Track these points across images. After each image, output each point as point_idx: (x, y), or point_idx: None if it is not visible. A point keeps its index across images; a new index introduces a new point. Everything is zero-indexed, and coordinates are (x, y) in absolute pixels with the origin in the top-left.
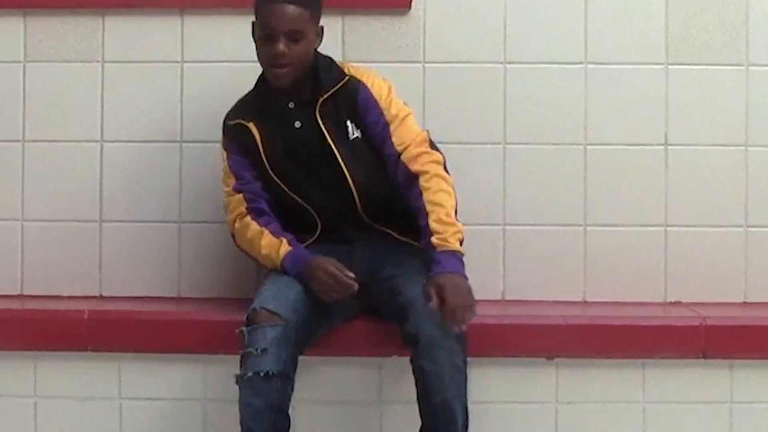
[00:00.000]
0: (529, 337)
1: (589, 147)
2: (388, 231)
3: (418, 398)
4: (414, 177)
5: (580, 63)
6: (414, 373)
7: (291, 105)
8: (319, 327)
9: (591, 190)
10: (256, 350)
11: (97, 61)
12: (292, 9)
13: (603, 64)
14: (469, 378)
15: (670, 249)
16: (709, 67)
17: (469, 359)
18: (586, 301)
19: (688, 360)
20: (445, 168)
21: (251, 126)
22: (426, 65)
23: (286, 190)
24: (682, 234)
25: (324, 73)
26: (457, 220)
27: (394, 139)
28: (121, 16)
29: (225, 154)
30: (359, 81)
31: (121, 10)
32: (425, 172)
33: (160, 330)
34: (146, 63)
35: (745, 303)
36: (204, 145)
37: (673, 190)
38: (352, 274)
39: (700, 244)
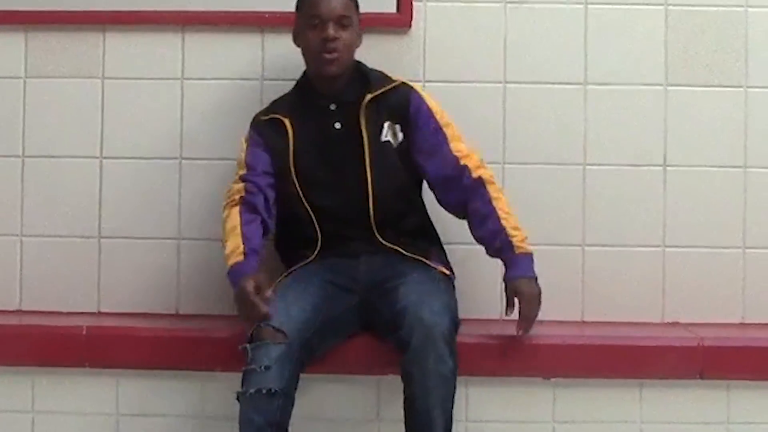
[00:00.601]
0: (526, 356)
1: (588, 167)
2: (396, 248)
3: (404, 406)
4: (482, 182)
5: (580, 83)
6: (402, 379)
7: (332, 107)
8: (322, 344)
9: (589, 210)
10: (260, 367)
11: (98, 78)
12: None
13: (603, 84)
14: (466, 399)
15: (668, 269)
16: (709, 88)
17: (467, 378)
18: (584, 321)
19: (685, 380)
20: None
21: (286, 121)
22: (426, 84)
23: (301, 194)
24: (680, 254)
25: (372, 75)
26: None
27: (452, 145)
28: (121, 33)
29: (245, 146)
30: (410, 88)
31: (122, 27)
32: (492, 183)
33: (159, 346)
34: (147, 80)
35: (742, 323)
36: (203, 162)
37: (671, 211)
38: (268, 294)
39: (698, 265)
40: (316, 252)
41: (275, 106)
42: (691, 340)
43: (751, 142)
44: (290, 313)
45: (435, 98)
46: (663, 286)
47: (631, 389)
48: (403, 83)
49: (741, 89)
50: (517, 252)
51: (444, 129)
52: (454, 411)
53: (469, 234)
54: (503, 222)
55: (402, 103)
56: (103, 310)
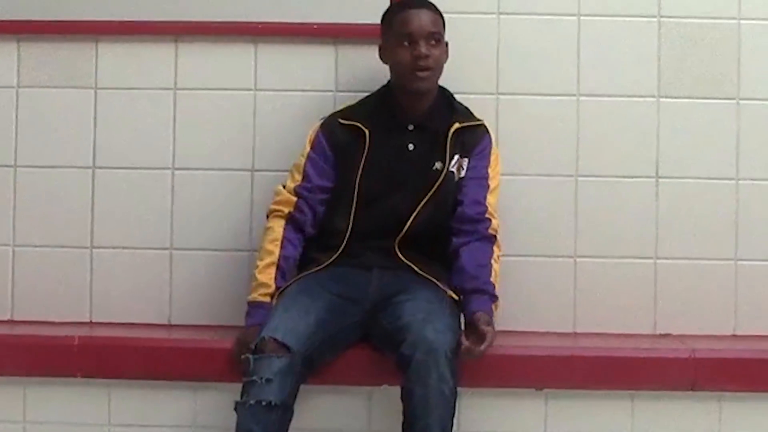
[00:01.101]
0: (518, 367)
1: (580, 178)
2: (411, 265)
3: (403, 423)
4: (494, 241)
5: (573, 95)
6: (402, 397)
7: (410, 127)
8: (322, 358)
9: (582, 221)
10: (261, 379)
11: (91, 88)
12: (429, 13)
13: (595, 96)
14: (458, 409)
15: (660, 281)
16: (701, 100)
17: (459, 389)
18: (575, 333)
19: (676, 392)
20: None
21: (366, 132)
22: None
23: (354, 208)
24: (672, 266)
25: (457, 106)
26: None
27: (489, 196)
28: (114, 43)
29: (307, 149)
30: (487, 131)
31: (115, 37)
32: (499, 250)
33: (151, 357)
34: (140, 89)
35: (734, 335)
36: (196, 172)
37: (663, 223)
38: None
39: (690, 277)
40: (332, 260)
41: (355, 112)
42: (683, 352)
43: (743, 154)
44: (295, 328)
45: (500, 152)
46: (655, 297)
47: (622, 401)
48: (484, 125)
49: (733, 101)
50: (494, 300)
51: (489, 180)
52: None
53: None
54: (494, 278)
55: (475, 142)
56: (95, 320)
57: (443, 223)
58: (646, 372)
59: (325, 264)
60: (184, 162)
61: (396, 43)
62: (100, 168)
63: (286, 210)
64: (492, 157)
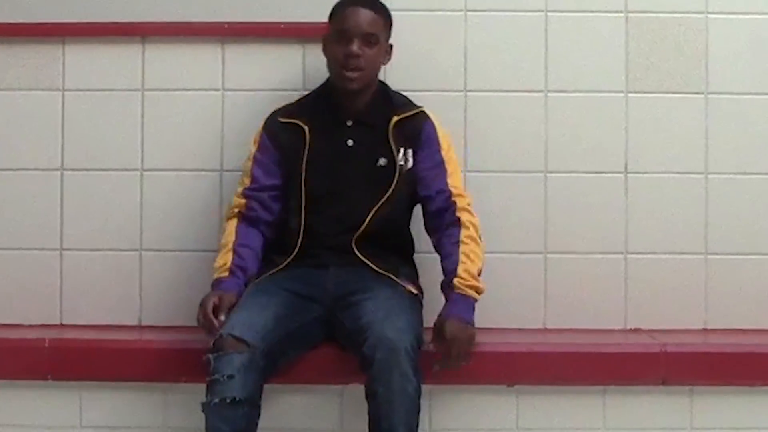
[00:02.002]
0: (489, 364)
1: (549, 174)
2: (368, 262)
3: (369, 423)
4: (458, 224)
5: (541, 91)
6: (366, 397)
7: (349, 123)
8: (285, 355)
9: (551, 217)
10: (223, 377)
11: (58, 90)
12: (369, 13)
13: (563, 91)
14: (429, 408)
15: (631, 276)
16: (669, 95)
17: (430, 387)
18: (546, 329)
19: (648, 387)
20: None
21: (306, 129)
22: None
23: (303, 205)
24: (642, 261)
25: (396, 99)
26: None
27: (449, 180)
28: (82, 45)
29: (253, 150)
30: (428, 117)
31: (82, 38)
32: (468, 228)
33: (122, 358)
34: (107, 91)
35: (705, 330)
36: (164, 173)
37: (633, 218)
38: (221, 319)
39: (661, 272)
40: (288, 261)
41: (295, 109)
42: (653, 347)
43: (712, 148)
44: (252, 323)
45: (446, 129)
46: (625, 293)
47: (594, 396)
48: (424, 111)
49: (702, 96)
50: (456, 291)
51: (446, 164)
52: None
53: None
54: (459, 264)
55: (417, 130)
56: (65, 322)
57: (399, 218)
58: (617, 367)
59: (283, 265)
60: (152, 163)
61: (333, 39)
62: (68, 170)
63: (237, 210)
64: (441, 141)
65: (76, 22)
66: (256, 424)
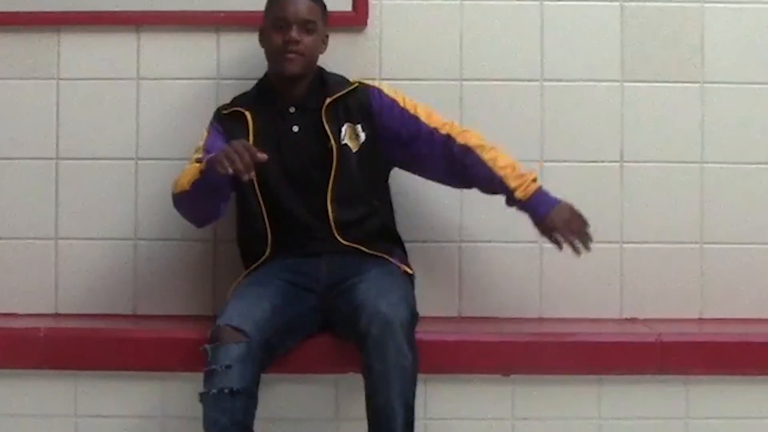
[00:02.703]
0: (485, 353)
1: (545, 164)
2: (357, 246)
3: (365, 400)
4: (469, 148)
5: (536, 80)
6: (363, 373)
7: (291, 110)
8: (281, 345)
9: None
10: (221, 367)
11: (53, 78)
12: (307, 2)
13: (559, 81)
14: (425, 397)
15: (626, 265)
16: (665, 84)
17: (425, 376)
18: (541, 318)
19: (643, 376)
20: None
21: (248, 114)
22: (382, 82)
23: (256, 188)
24: (637, 250)
25: (331, 81)
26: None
27: (427, 123)
28: (77, 34)
29: (204, 134)
30: (368, 86)
31: (77, 27)
32: (480, 146)
33: (117, 347)
34: (102, 80)
35: (700, 319)
36: (160, 162)
37: (628, 207)
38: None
39: (656, 261)
40: (268, 249)
41: (236, 101)
42: (649, 336)
43: (707, 137)
44: (249, 314)
45: (391, 86)
46: (621, 282)
47: (589, 385)
48: (360, 83)
49: (697, 85)
50: (523, 198)
51: (413, 111)
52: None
53: (426, 232)
54: (501, 178)
55: (362, 103)
56: (60, 311)
57: (368, 198)
58: (612, 356)
59: (267, 254)
60: (148, 152)
61: (270, 27)
62: (63, 159)
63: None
64: (395, 97)
65: (72, 11)
66: (254, 415)
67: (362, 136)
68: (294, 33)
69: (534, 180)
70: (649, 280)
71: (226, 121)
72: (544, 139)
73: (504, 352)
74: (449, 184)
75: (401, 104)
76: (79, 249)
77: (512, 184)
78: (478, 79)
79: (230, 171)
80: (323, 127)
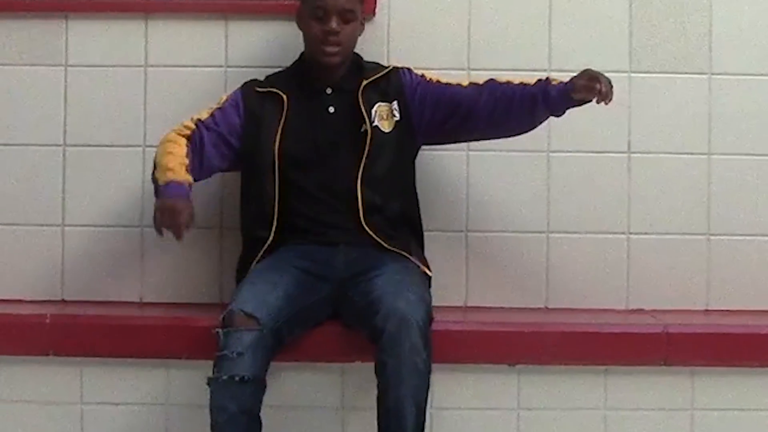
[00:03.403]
0: (491, 343)
1: (552, 154)
2: (377, 239)
3: (377, 395)
4: (492, 81)
5: (544, 70)
6: (376, 368)
7: (328, 91)
8: (291, 333)
9: (554, 196)
10: (232, 353)
11: (61, 65)
12: None
13: (566, 71)
14: (431, 385)
15: (633, 256)
16: (673, 75)
17: (431, 365)
18: (548, 308)
19: (649, 367)
20: None
21: (284, 98)
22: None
23: (276, 171)
24: (644, 241)
25: (366, 65)
26: None
27: (455, 85)
28: (85, 20)
29: (222, 101)
30: (398, 68)
31: (85, 14)
32: (497, 79)
33: (123, 335)
34: (110, 67)
35: (707, 310)
36: None
37: (635, 198)
38: (188, 229)
39: (663, 252)
40: (272, 235)
41: (273, 81)
42: (655, 327)
43: (715, 129)
44: (263, 300)
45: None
46: (627, 273)
47: (595, 376)
48: (394, 67)
49: (705, 76)
50: (556, 82)
51: (440, 80)
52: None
53: (433, 221)
54: (526, 85)
55: (395, 83)
56: (66, 298)
57: (396, 178)
58: (618, 347)
59: (269, 239)
60: (155, 139)
61: (309, 16)
62: (70, 146)
63: (188, 132)
64: (423, 75)
65: None
66: (261, 402)
67: (397, 114)
68: (333, 23)
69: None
70: (656, 271)
71: (257, 98)
72: (551, 129)
73: (510, 342)
74: (492, 132)
75: (428, 77)
76: (86, 236)
77: (542, 80)
78: (485, 69)
79: (162, 234)
80: (359, 108)
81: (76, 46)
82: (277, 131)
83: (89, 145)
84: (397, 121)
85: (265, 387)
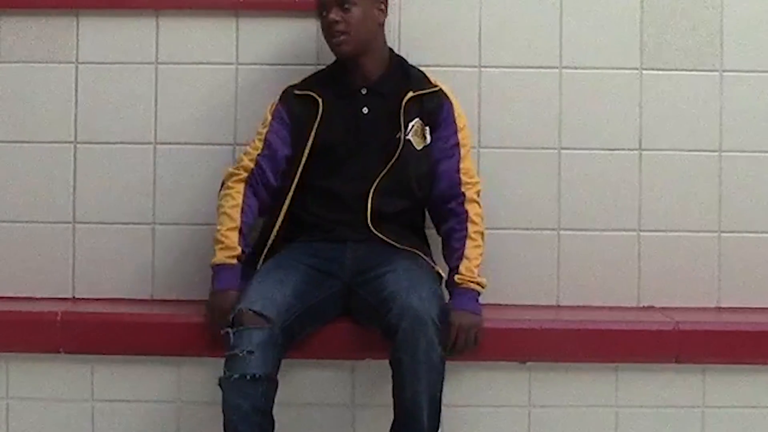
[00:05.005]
0: (502, 341)
1: (563, 151)
2: (386, 239)
3: (393, 390)
4: (466, 218)
5: (555, 67)
6: (391, 365)
7: (363, 91)
8: (302, 330)
9: (565, 193)
10: (242, 352)
11: (72, 62)
12: None
13: (578, 68)
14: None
15: (644, 253)
16: (684, 72)
17: (445, 359)
18: (559, 306)
19: (661, 364)
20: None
21: (320, 101)
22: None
23: (305, 173)
24: (655, 238)
25: (413, 74)
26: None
27: (462, 165)
28: (95, 17)
29: (269, 119)
30: (447, 97)
31: (96, 11)
32: (476, 224)
33: (134, 332)
34: (121, 64)
35: (718, 308)
36: (178, 146)
37: (646, 195)
38: (226, 329)
39: (674, 249)
40: (273, 233)
41: (310, 82)
42: (666, 325)
43: (726, 126)
44: (272, 298)
45: (463, 111)
46: (638, 270)
47: (606, 373)
48: (442, 90)
49: (716, 73)
50: (460, 287)
51: (461, 147)
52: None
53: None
54: (463, 261)
55: (436, 108)
56: (77, 295)
57: (412, 195)
58: (630, 344)
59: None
60: (166, 136)
61: (317, 15)
62: (81, 143)
63: (245, 174)
64: (458, 122)
65: None
66: (273, 400)
67: (428, 138)
68: (332, 14)
69: (478, 284)
70: (667, 269)
71: (295, 103)
72: (563, 127)
73: (521, 339)
74: (431, 216)
75: (459, 134)
76: (97, 233)
77: (463, 270)
78: (496, 66)
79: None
80: (398, 116)
81: (86, 43)
82: (310, 134)
83: (100, 142)
84: (426, 144)
85: (277, 385)
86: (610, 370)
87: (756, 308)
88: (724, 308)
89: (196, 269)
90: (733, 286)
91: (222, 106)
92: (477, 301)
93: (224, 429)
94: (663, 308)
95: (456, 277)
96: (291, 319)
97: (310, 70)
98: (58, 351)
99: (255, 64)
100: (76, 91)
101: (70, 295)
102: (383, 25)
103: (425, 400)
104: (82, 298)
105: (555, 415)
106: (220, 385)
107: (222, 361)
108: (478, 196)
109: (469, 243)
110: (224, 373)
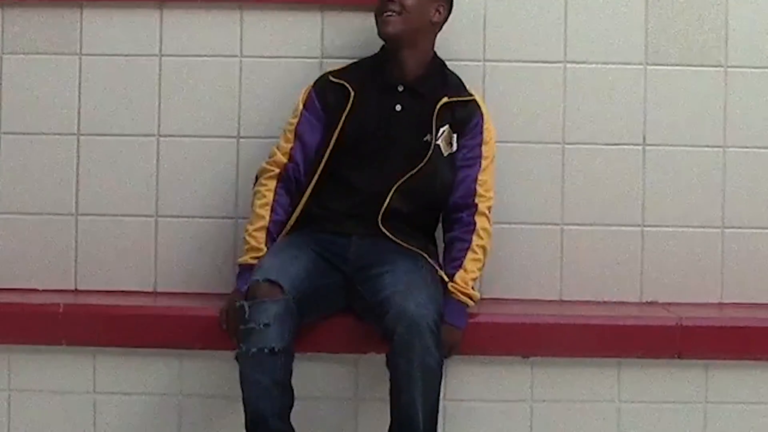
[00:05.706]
0: (505, 335)
1: (567, 146)
2: (392, 237)
3: (390, 395)
4: (473, 230)
5: (560, 62)
6: (388, 365)
7: (400, 88)
8: (312, 310)
9: (568, 189)
10: (259, 325)
11: (75, 54)
12: None
13: (582, 63)
14: (444, 378)
15: (647, 249)
16: (688, 68)
17: (443, 360)
18: (562, 300)
19: (663, 360)
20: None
21: (352, 94)
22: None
23: (330, 165)
24: (658, 234)
25: (451, 79)
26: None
27: (480, 176)
28: (99, 10)
29: (300, 108)
30: (480, 108)
31: (100, 3)
32: (481, 237)
33: (136, 324)
34: (125, 56)
35: (720, 304)
36: (181, 139)
37: (650, 190)
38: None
39: (677, 245)
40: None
41: (347, 71)
42: (669, 320)
43: (730, 121)
44: (286, 270)
45: (494, 125)
46: (641, 265)
47: (609, 369)
48: (476, 100)
49: (721, 69)
50: (450, 296)
51: (483, 159)
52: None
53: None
54: (459, 271)
55: (467, 117)
56: (80, 287)
57: (431, 201)
58: (632, 340)
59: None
60: (169, 129)
61: None
62: (84, 135)
63: (278, 170)
64: (485, 134)
65: None
66: (292, 373)
67: (455, 145)
68: None
69: (470, 297)
70: (670, 264)
71: (330, 90)
72: (567, 122)
73: (524, 334)
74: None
75: (483, 146)
76: (100, 225)
77: (458, 279)
78: (500, 60)
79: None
80: (431, 120)
81: (90, 35)
82: (338, 125)
83: (103, 134)
84: (450, 152)
85: (294, 357)
86: (612, 365)
87: (759, 304)
88: (726, 304)
89: (199, 262)
90: (736, 281)
91: (225, 98)
92: (464, 314)
93: (243, 405)
94: (666, 304)
95: (449, 285)
96: (303, 294)
97: (314, 62)
98: (61, 343)
99: (259, 56)
100: (80, 83)
101: (72, 287)
102: (437, 26)
103: (421, 404)
104: (85, 290)
105: (557, 409)
106: (236, 359)
107: (225, 353)
108: (489, 211)
109: (469, 255)
110: (240, 347)
